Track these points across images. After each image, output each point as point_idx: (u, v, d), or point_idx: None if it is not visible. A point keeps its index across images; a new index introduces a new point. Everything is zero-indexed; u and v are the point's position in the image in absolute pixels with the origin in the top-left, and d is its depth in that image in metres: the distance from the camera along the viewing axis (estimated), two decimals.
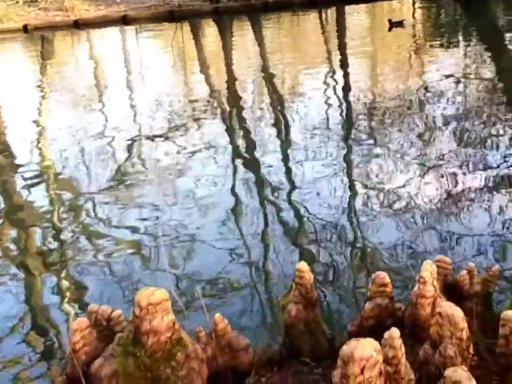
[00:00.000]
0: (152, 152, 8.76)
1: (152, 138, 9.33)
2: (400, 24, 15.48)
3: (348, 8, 19.68)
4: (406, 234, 5.92)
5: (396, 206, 6.53)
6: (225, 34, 18.79)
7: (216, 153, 8.49)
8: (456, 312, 2.72)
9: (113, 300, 4.82)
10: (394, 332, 2.51)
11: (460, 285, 3.42)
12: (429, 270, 3.11)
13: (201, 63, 15.33)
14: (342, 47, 14.92)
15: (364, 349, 2.33)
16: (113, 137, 9.56)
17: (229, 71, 13.99)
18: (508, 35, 14.42)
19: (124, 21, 20.87)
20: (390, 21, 15.58)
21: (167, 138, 9.32)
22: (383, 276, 3.27)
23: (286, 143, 8.83)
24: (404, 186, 6.95)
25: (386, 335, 2.59)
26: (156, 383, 2.78)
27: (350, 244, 5.92)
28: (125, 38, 19.41)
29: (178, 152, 8.65)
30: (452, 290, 3.46)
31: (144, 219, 6.61)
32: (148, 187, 7.47)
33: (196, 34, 19.25)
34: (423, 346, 2.98)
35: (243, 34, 18.81)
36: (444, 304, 2.74)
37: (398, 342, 2.51)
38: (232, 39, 17.81)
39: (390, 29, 15.46)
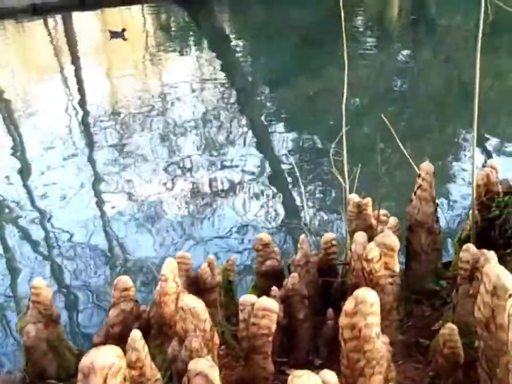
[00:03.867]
0: None
1: None
2: (121, 34, 14.97)
3: (77, 16, 18.91)
4: (157, 240, 5.94)
5: (146, 212, 6.52)
6: None
7: None
8: (197, 304, 2.74)
9: None
10: (136, 334, 2.44)
11: (202, 277, 3.47)
12: (170, 267, 3.10)
13: None
14: (73, 56, 14.40)
15: (105, 357, 2.21)
16: None
17: None
18: (233, 39, 15.29)
19: None
20: (110, 31, 15.06)
21: None
22: (125, 280, 3.19)
23: (23, 159, 8.29)
24: (152, 192, 6.97)
25: (129, 339, 2.51)
26: None
27: (98, 253, 5.78)
28: None
29: None
30: (195, 284, 3.50)
31: None
32: None
33: None
34: (171, 343, 2.96)
35: None
36: (185, 298, 2.74)
37: (141, 343, 2.44)
38: None
39: (111, 38, 14.89)
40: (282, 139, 8.52)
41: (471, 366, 2.72)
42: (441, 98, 9.76)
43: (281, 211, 6.35)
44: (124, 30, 15.06)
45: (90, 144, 8.72)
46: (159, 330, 3.15)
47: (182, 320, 2.78)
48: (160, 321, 3.11)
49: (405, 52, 13.32)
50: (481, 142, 7.64)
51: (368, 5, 18.74)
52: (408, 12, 17.62)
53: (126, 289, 3.17)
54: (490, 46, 11.43)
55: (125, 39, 14.86)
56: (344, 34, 3.72)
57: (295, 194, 6.65)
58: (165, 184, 7.18)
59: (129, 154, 8.15)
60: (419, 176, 3.54)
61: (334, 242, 3.74)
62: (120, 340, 2.99)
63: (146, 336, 3.17)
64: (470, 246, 2.95)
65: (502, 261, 3.44)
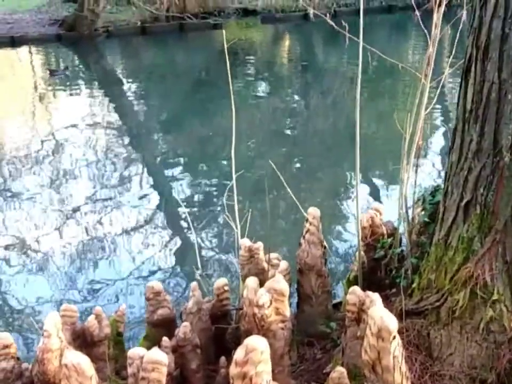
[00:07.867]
0: None
1: None
2: (63, 72, 14.90)
3: None
4: (44, 290, 5.67)
5: (33, 261, 6.23)
6: None
7: None
8: (81, 360, 2.62)
9: None
10: None
11: (89, 330, 3.34)
12: (53, 321, 2.95)
13: None
14: None
15: None
16: None
17: None
18: (125, 82, 15.16)
19: None
20: (49, 70, 15.02)
21: None
22: (5, 337, 3.02)
23: None
24: (41, 239, 6.68)
25: None
26: None
27: None
28: None
29: None
30: (82, 337, 3.36)
31: None
32: None
33: None
34: None
35: None
36: (68, 354, 2.61)
37: None
38: None
39: (51, 76, 14.69)
40: (177, 183, 8.47)
41: None
42: (329, 141, 10.10)
43: (175, 257, 6.25)
44: (66, 67, 15.55)
45: None
46: None
47: (66, 378, 2.65)
48: (44, 379, 2.95)
49: (296, 96, 13.74)
50: (366, 185, 7.94)
51: (259, 51, 19.26)
52: (298, 59, 18.25)
53: (6, 346, 2.99)
54: (375, 91, 12.07)
55: (67, 76, 15.01)
56: (230, 79, 3.77)
57: (188, 239, 6.58)
58: (54, 230, 6.90)
59: (17, 199, 7.80)
60: (307, 220, 3.61)
61: (226, 288, 3.73)
62: None
63: None
64: (356, 288, 3.02)
65: (388, 300, 3.56)
